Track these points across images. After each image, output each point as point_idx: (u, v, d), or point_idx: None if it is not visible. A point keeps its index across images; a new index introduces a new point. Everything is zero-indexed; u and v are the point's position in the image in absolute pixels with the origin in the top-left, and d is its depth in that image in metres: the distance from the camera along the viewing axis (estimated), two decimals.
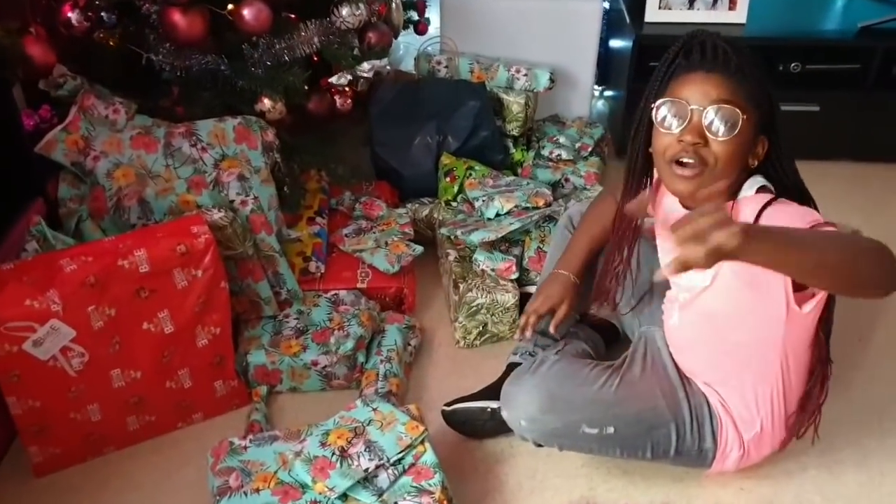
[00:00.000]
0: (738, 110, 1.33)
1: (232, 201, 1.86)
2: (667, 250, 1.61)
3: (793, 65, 2.64)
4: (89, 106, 1.98)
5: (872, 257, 1.14)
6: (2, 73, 1.86)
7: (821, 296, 1.38)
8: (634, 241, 1.68)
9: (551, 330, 1.74)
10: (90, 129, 1.96)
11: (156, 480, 1.69)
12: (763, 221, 1.33)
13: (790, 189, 1.42)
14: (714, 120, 1.34)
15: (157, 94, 2.18)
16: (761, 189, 1.40)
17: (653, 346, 1.72)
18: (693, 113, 1.35)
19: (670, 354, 1.66)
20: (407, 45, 3.08)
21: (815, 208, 1.41)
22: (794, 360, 1.48)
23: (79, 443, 1.69)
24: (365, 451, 1.51)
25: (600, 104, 3.21)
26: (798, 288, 1.35)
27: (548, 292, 1.75)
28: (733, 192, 1.42)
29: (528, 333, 1.71)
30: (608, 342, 1.97)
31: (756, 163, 1.40)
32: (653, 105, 1.41)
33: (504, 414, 1.57)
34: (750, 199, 1.39)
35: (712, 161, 1.36)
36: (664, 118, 1.39)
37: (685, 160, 1.37)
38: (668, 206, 1.55)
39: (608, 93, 3.20)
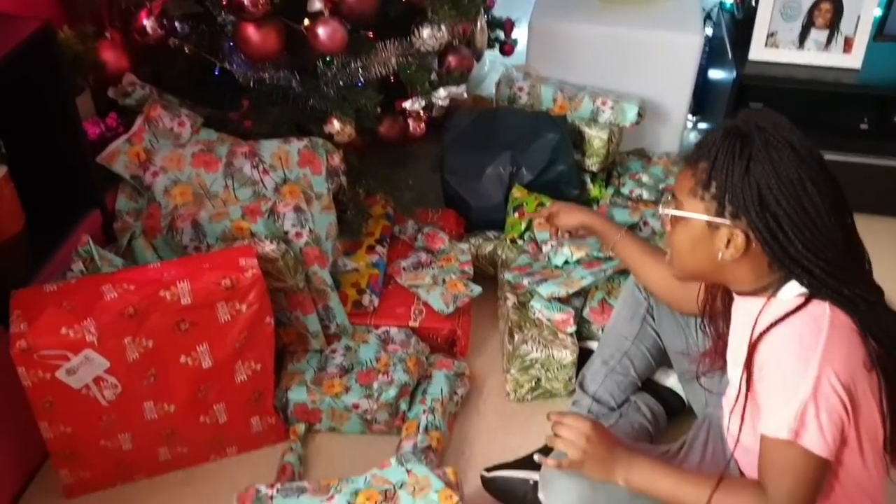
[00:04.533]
0: (672, 203, 1.29)
1: (286, 232, 1.79)
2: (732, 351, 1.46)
3: None
4: (155, 117, 1.95)
5: None
6: (72, 80, 1.83)
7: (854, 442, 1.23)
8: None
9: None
10: (153, 142, 1.93)
11: None
12: (765, 344, 1.22)
13: (822, 281, 1.21)
14: (661, 208, 1.32)
15: (226, 106, 2.14)
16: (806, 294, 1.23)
17: (715, 433, 1.58)
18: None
19: None
20: (493, 62, 2.96)
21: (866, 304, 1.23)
22: (846, 476, 1.32)
23: (109, 469, 1.66)
24: None
25: (692, 136, 3.02)
26: None
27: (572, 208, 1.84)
28: (764, 285, 1.26)
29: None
30: (670, 413, 1.83)
31: (722, 256, 1.23)
32: None
33: (541, 496, 1.45)
34: (779, 304, 1.24)
35: (670, 248, 1.35)
36: None
37: None
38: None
39: (703, 125, 3.01)
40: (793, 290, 1.23)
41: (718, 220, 1.22)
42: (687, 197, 1.25)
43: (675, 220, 1.29)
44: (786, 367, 1.19)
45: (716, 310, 1.50)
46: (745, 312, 1.30)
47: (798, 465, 1.18)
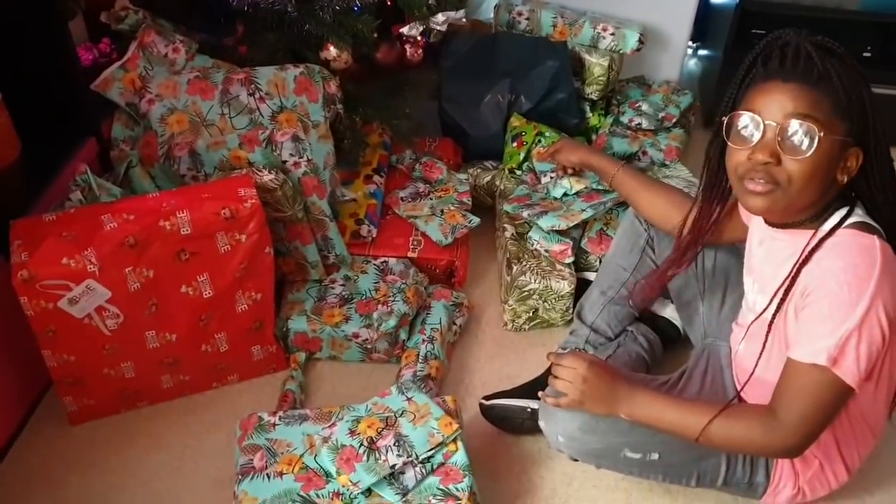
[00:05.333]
0: (815, 126, 1.16)
1: (284, 162, 1.78)
2: (751, 269, 1.47)
3: None
4: (149, 43, 1.91)
5: (732, 444, 1.32)
6: (64, 4, 1.79)
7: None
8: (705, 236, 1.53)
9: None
10: (148, 69, 1.89)
11: (185, 443, 1.68)
12: (812, 272, 1.22)
13: (882, 207, 1.26)
14: (787, 137, 1.18)
15: (221, 32, 2.10)
16: (850, 224, 1.24)
17: (715, 363, 1.61)
18: (766, 128, 1.20)
19: (733, 376, 1.55)
20: None
21: None
22: (855, 408, 1.36)
23: (112, 396, 1.68)
24: (394, 445, 1.45)
25: (692, 63, 2.99)
26: None
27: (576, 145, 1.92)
28: (819, 213, 1.26)
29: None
30: (666, 342, 1.86)
31: (846, 178, 1.23)
32: (723, 118, 1.27)
33: (541, 424, 1.48)
34: (821, 235, 1.25)
35: (785, 181, 1.21)
36: (734, 133, 1.25)
37: (756, 178, 1.23)
38: (757, 224, 1.42)
39: (703, 52, 2.97)
40: (832, 223, 1.24)
41: (850, 140, 1.20)
42: (831, 119, 1.17)
43: (812, 145, 1.17)
44: (837, 296, 1.18)
45: (722, 239, 1.51)
46: (784, 243, 1.30)
47: (824, 391, 1.20)
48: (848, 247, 1.21)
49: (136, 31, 1.93)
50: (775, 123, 1.19)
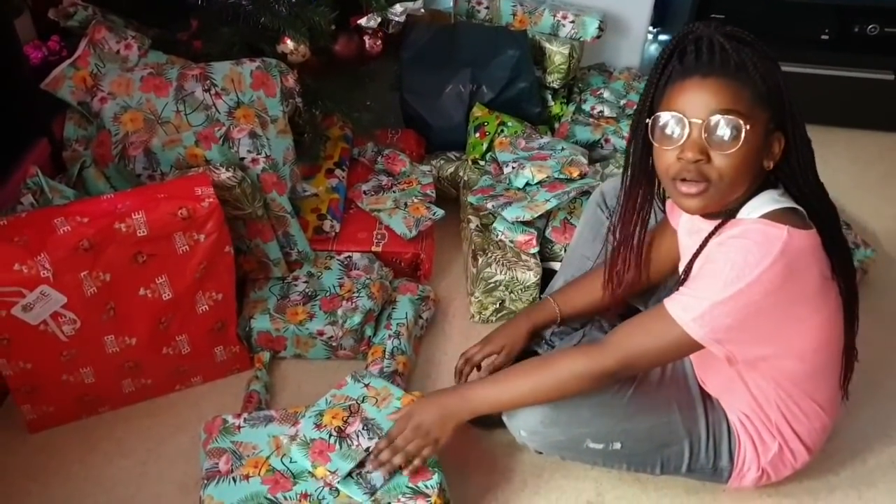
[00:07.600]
0: (739, 119, 1.18)
1: (242, 159, 1.74)
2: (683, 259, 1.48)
3: (870, 27, 2.39)
4: (100, 40, 1.86)
5: (573, 388, 1.34)
6: (8, 3, 1.74)
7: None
8: (642, 232, 1.50)
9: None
10: (100, 66, 1.85)
11: (148, 448, 1.64)
12: (718, 245, 1.25)
13: (804, 187, 1.27)
14: (714, 133, 1.19)
15: (175, 27, 2.06)
16: (768, 214, 1.24)
17: None
18: (692, 126, 1.20)
19: (690, 360, 1.55)
20: None
21: (828, 216, 1.29)
22: (791, 385, 1.38)
23: (72, 403, 1.65)
24: (363, 429, 1.44)
25: (653, 49, 2.99)
26: None
27: (496, 337, 1.63)
28: (744, 200, 1.27)
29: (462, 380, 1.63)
30: None
31: (772, 164, 1.25)
32: (647, 119, 1.27)
33: (504, 419, 1.47)
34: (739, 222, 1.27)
35: (716, 177, 1.22)
36: (660, 134, 1.25)
37: (688, 178, 1.24)
38: (683, 218, 1.43)
39: (664, 37, 2.97)
40: (746, 211, 1.27)
41: (772, 126, 1.22)
42: (753, 109, 1.19)
43: (738, 139, 1.18)
44: (720, 268, 1.21)
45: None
46: (707, 228, 1.32)
47: (668, 340, 1.26)
48: (753, 233, 1.22)
49: (85, 28, 1.88)
50: (700, 121, 1.20)
